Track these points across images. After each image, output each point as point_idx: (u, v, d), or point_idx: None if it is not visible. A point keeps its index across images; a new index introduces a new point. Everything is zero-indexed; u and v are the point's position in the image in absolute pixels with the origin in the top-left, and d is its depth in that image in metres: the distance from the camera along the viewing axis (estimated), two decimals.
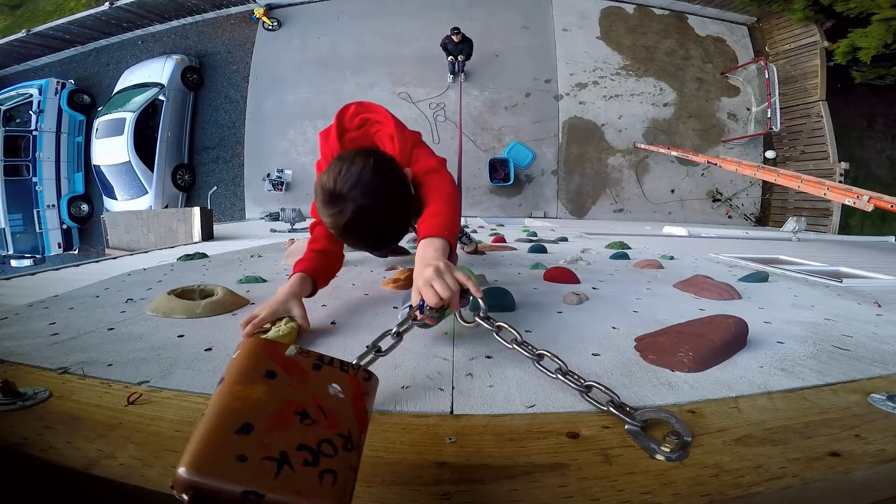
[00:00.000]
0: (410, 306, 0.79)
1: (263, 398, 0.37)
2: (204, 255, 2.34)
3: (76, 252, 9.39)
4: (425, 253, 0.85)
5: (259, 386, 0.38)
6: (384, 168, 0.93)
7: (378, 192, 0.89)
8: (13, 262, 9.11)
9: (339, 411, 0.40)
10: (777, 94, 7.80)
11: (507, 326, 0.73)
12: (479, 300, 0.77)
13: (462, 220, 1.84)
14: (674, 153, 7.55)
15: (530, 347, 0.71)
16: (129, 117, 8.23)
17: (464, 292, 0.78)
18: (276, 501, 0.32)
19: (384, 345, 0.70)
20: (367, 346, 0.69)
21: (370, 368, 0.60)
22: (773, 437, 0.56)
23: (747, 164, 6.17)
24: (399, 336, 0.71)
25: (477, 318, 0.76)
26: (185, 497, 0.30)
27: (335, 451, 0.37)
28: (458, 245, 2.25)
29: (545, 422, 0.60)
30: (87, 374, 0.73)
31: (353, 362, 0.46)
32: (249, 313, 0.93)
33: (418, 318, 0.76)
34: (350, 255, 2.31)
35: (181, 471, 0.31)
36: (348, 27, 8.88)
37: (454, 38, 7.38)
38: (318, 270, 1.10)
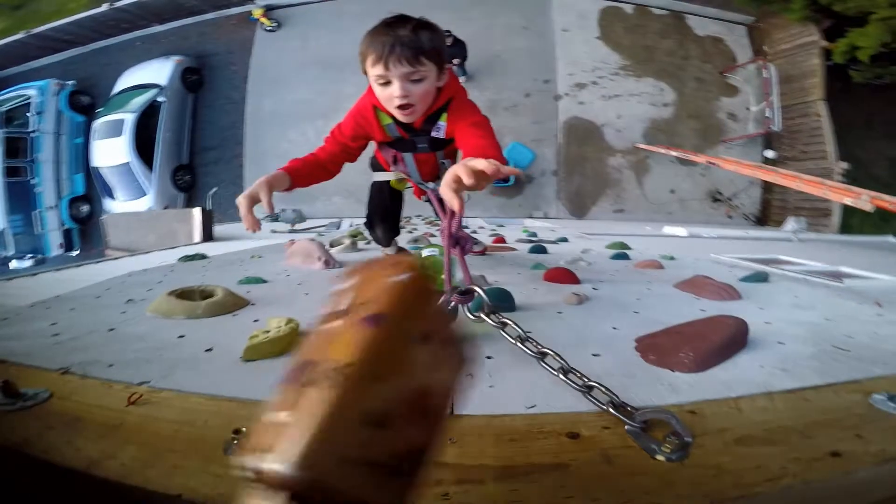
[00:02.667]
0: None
1: (410, 374, 0.25)
2: (204, 256, 2.34)
3: (77, 253, 9.39)
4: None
5: (411, 352, 0.25)
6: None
7: (434, 26, 1.08)
8: (14, 263, 9.10)
9: (445, 406, 0.29)
10: (776, 93, 7.81)
11: (511, 323, 0.73)
12: (483, 296, 0.76)
13: (463, 220, 1.86)
14: (673, 153, 7.56)
15: (534, 345, 0.71)
16: (129, 118, 8.24)
17: (468, 291, 0.78)
18: None
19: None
20: None
21: None
22: (774, 437, 0.56)
23: (747, 164, 6.17)
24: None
25: (481, 314, 0.76)
26: (280, 495, 0.21)
27: (431, 458, 0.27)
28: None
29: (545, 422, 0.60)
30: (88, 374, 0.73)
31: (458, 338, 0.31)
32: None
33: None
34: (351, 256, 2.31)
35: (290, 465, 0.20)
36: (348, 27, 8.87)
37: (447, 41, 7.36)
38: (299, 172, 1.19)
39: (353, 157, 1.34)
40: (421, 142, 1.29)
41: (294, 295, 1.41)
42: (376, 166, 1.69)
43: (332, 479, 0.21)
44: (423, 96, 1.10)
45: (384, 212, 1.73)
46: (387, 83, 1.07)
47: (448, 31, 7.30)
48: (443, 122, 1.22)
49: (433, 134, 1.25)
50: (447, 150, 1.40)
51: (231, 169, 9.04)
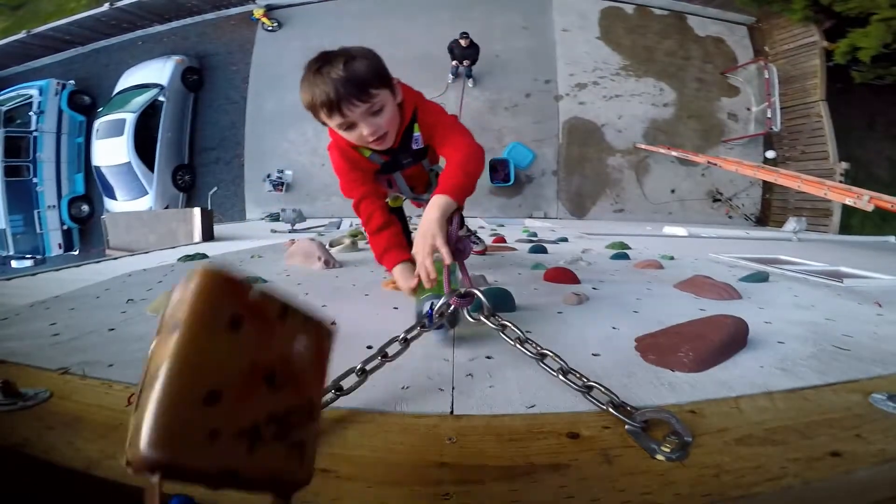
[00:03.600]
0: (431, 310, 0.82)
1: (229, 357, 0.29)
2: (204, 256, 2.34)
3: (77, 253, 9.39)
4: (426, 216, 0.99)
5: (223, 339, 0.29)
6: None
7: (363, 51, 1.05)
8: (14, 263, 9.10)
9: (303, 373, 0.34)
10: (777, 94, 7.80)
11: (511, 325, 0.73)
12: (483, 299, 0.77)
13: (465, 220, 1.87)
14: (674, 153, 7.55)
15: (534, 346, 0.71)
16: (130, 118, 8.24)
17: (468, 293, 0.79)
18: (250, 478, 0.29)
19: (391, 350, 0.70)
20: (374, 350, 0.69)
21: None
22: (774, 437, 0.56)
23: (747, 164, 6.17)
24: (406, 342, 0.72)
25: (482, 317, 0.76)
26: (154, 477, 0.25)
27: (301, 421, 0.33)
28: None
29: (545, 422, 0.60)
30: (88, 374, 0.73)
31: (316, 314, 0.38)
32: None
33: (426, 325, 0.76)
34: (351, 256, 2.31)
35: (144, 448, 0.25)
36: (348, 28, 8.87)
37: (462, 42, 7.38)
38: (400, 239, 1.21)
39: (378, 190, 1.31)
40: (404, 157, 1.29)
41: (294, 295, 1.40)
42: None
43: (189, 454, 0.26)
44: (390, 122, 1.09)
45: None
46: (350, 126, 1.05)
47: (465, 34, 7.31)
48: (417, 133, 1.22)
49: (413, 147, 1.24)
50: (430, 156, 1.41)
51: (231, 169, 9.04)
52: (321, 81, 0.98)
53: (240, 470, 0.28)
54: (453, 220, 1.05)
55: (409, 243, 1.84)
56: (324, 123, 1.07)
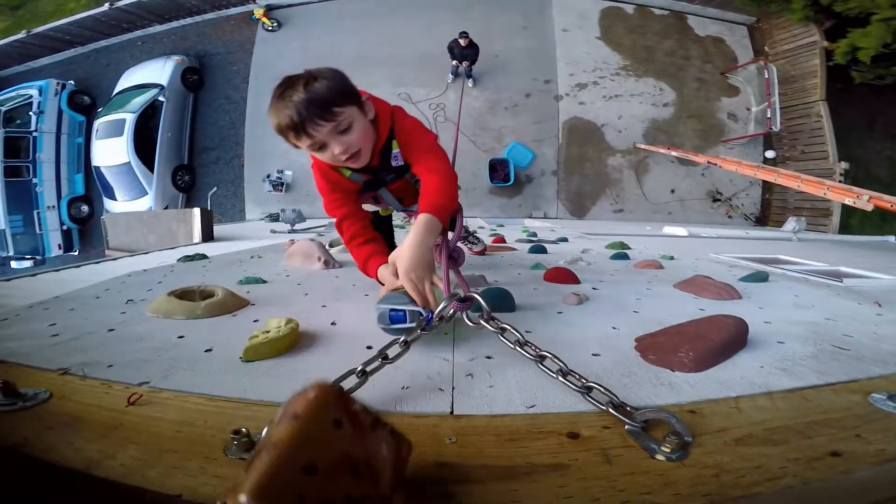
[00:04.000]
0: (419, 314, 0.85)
1: (328, 445, 0.38)
2: (204, 256, 2.34)
3: (76, 253, 9.39)
4: (416, 239, 0.96)
5: (327, 431, 0.39)
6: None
7: (325, 71, 1.05)
8: (13, 264, 9.09)
9: (382, 472, 0.41)
10: (777, 94, 7.80)
11: (510, 328, 0.74)
12: (482, 303, 0.77)
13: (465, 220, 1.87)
14: (674, 153, 7.56)
15: (533, 349, 0.71)
16: (129, 118, 8.24)
17: (467, 299, 0.79)
18: None
19: (391, 353, 0.70)
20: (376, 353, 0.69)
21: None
22: (774, 437, 0.56)
23: (747, 164, 6.17)
24: (407, 345, 0.72)
25: (481, 321, 0.77)
26: None
27: None
28: (468, 245, 2.27)
29: (545, 422, 0.60)
30: (88, 374, 0.73)
31: (401, 432, 0.46)
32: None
33: (425, 328, 0.77)
34: (351, 256, 2.31)
35: (244, 497, 0.31)
36: (348, 27, 8.88)
37: (461, 41, 7.38)
38: (386, 255, 1.16)
39: (359, 210, 1.32)
40: (386, 175, 1.28)
41: (294, 295, 1.41)
42: None
43: None
44: (361, 139, 1.08)
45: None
46: (321, 147, 1.05)
47: (464, 33, 7.31)
48: (396, 150, 1.21)
49: (393, 163, 1.23)
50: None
51: (231, 169, 9.04)
52: (284, 105, 0.99)
53: None
54: (456, 225, 1.05)
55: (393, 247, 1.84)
56: (296, 146, 1.07)
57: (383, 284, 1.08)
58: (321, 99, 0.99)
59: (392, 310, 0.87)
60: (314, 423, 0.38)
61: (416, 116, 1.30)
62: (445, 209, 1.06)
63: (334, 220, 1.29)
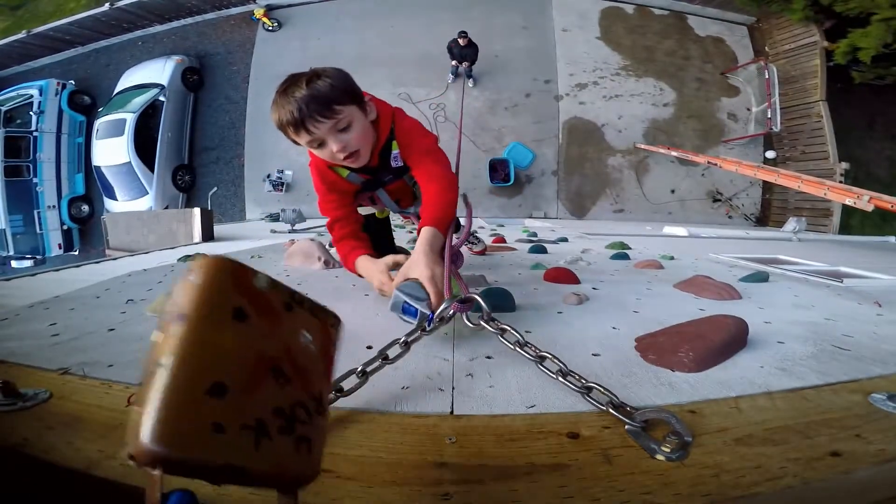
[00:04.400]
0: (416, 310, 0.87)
1: (234, 348, 0.29)
2: (204, 256, 2.33)
3: (76, 253, 9.39)
4: (422, 248, 0.99)
5: (229, 331, 0.29)
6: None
7: (329, 70, 1.06)
8: (14, 263, 9.10)
9: (310, 366, 0.34)
10: (777, 94, 7.80)
11: (510, 329, 0.74)
12: (483, 304, 0.77)
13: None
14: (674, 153, 7.56)
15: (533, 349, 0.71)
16: (130, 118, 8.25)
17: (467, 300, 0.80)
18: (255, 473, 0.28)
19: (391, 353, 0.70)
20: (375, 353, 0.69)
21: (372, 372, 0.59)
22: (774, 437, 0.56)
23: (747, 165, 6.17)
24: (407, 345, 0.72)
25: (481, 321, 0.77)
26: (155, 471, 0.25)
27: (308, 416, 0.32)
28: (468, 245, 2.27)
29: (545, 422, 0.60)
30: (88, 374, 0.73)
31: (324, 305, 0.38)
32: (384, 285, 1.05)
33: (426, 328, 0.77)
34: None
35: (147, 441, 0.24)
36: (348, 28, 8.88)
37: (460, 41, 7.38)
38: (371, 252, 1.19)
39: (353, 213, 1.33)
40: (385, 175, 1.29)
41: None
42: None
43: (193, 447, 0.25)
44: (361, 139, 1.08)
45: (378, 243, 1.75)
46: (320, 144, 1.06)
47: (464, 32, 7.31)
48: (396, 151, 1.22)
49: (392, 164, 1.24)
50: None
51: (231, 169, 9.04)
52: (286, 101, 1.01)
53: (245, 465, 0.27)
54: (459, 228, 1.06)
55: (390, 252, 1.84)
56: (295, 142, 1.08)
57: (361, 276, 1.14)
58: (323, 96, 1.00)
59: (406, 303, 0.90)
60: (208, 321, 0.28)
61: (417, 116, 1.31)
62: (447, 220, 1.09)
63: (328, 219, 1.30)
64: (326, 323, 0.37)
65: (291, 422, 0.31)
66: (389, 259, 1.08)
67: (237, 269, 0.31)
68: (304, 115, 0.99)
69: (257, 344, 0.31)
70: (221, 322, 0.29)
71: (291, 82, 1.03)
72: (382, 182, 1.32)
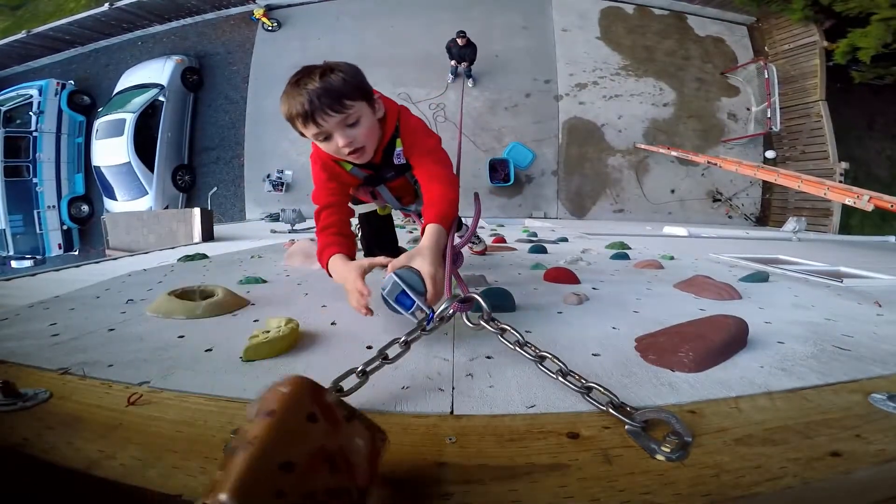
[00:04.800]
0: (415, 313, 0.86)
1: (304, 440, 0.38)
2: (204, 256, 2.34)
3: (76, 253, 9.39)
4: (428, 242, 0.99)
5: (302, 427, 0.39)
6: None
7: (343, 65, 1.06)
8: (14, 263, 9.09)
9: (359, 465, 0.42)
10: (777, 93, 7.80)
11: (510, 329, 0.74)
12: (483, 304, 0.77)
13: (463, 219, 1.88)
14: (674, 153, 7.56)
15: (533, 349, 0.71)
16: (130, 118, 8.24)
17: (467, 300, 0.80)
18: None
19: (391, 353, 0.70)
20: (375, 353, 0.69)
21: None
22: (774, 437, 0.56)
23: (747, 164, 6.17)
24: (407, 345, 0.72)
25: (481, 321, 0.77)
26: None
27: (352, 500, 0.39)
28: (468, 245, 2.27)
29: (545, 422, 0.60)
30: (88, 374, 0.73)
31: (377, 424, 0.46)
32: (357, 300, 0.96)
33: (427, 328, 0.77)
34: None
35: (224, 497, 0.31)
36: (348, 28, 8.88)
37: (459, 41, 7.38)
38: (351, 252, 1.14)
39: (345, 206, 1.29)
40: (387, 172, 1.29)
41: (294, 295, 1.41)
42: (356, 200, 1.69)
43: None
44: (367, 135, 1.09)
45: (380, 240, 1.75)
46: (327, 138, 1.06)
47: (462, 32, 7.31)
48: (399, 149, 1.23)
49: (395, 161, 1.24)
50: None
51: (231, 169, 9.03)
52: (297, 93, 1.00)
53: None
54: (461, 227, 1.04)
55: (396, 252, 1.83)
56: (302, 135, 1.08)
57: (331, 276, 1.09)
58: (335, 90, 1.00)
59: (404, 292, 0.87)
60: (289, 418, 0.38)
61: (417, 116, 1.31)
62: (449, 218, 1.09)
63: (316, 207, 1.26)
64: (376, 436, 0.46)
65: (339, 500, 0.38)
66: (366, 262, 1.04)
67: (315, 385, 0.43)
68: (315, 108, 0.99)
69: (321, 440, 0.40)
70: (298, 420, 0.39)
71: (304, 74, 1.03)
72: (384, 178, 1.33)
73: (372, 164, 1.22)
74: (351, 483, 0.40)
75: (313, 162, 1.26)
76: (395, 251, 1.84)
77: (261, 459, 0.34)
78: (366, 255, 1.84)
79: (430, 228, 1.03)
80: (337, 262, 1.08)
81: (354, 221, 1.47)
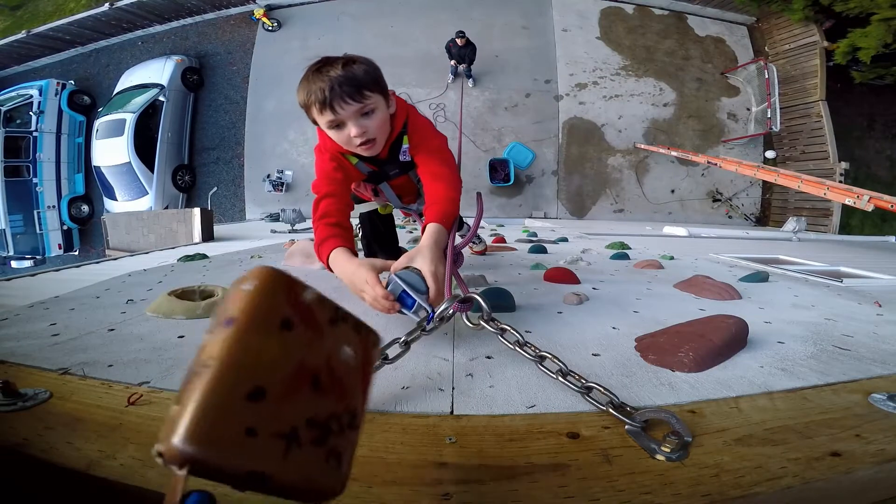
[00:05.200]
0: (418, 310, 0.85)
1: (278, 356, 0.30)
2: (204, 256, 2.34)
3: (76, 253, 9.39)
4: (428, 241, 0.99)
5: (275, 338, 0.30)
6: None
7: (363, 58, 1.08)
8: (14, 263, 9.10)
9: (347, 380, 0.34)
10: (777, 94, 7.80)
11: (510, 329, 0.74)
12: (483, 304, 0.77)
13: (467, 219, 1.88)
14: (674, 153, 7.55)
15: (533, 349, 0.71)
16: (130, 118, 8.24)
17: (467, 300, 0.80)
18: (281, 482, 0.27)
19: (391, 353, 0.70)
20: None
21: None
22: (774, 437, 0.56)
23: (747, 164, 6.17)
24: (407, 345, 0.72)
25: (481, 321, 0.77)
26: (181, 471, 0.25)
27: (341, 429, 0.32)
28: (469, 245, 2.27)
29: (545, 422, 0.60)
30: (88, 374, 0.73)
31: (366, 323, 0.38)
32: (377, 300, 0.89)
33: (427, 327, 0.77)
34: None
35: (178, 441, 0.25)
36: (348, 27, 8.88)
37: (458, 41, 7.38)
38: (351, 245, 1.10)
39: (346, 198, 1.25)
40: (392, 168, 1.30)
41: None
42: (357, 199, 1.68)
43: (224, 451, 0.26)
44: (379, 128, 1.10)
45: (381, 239, 1.75)
46: (340, 126, 1.07)
47: (461, 32, 7.31)
48: (406, 146, 1.24)
49: (401, 158, 1.26)
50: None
51: (231, 169, 9.03)
52: (318, 79, 1.02)
53: (272, 473, 0.27)
54: (462, 226, 1.04)
55: (397, 252, 1.81)
56: (315, 122, 1.09)
57: (332, 271, 1.03)
58: (356, 79, 1.02)
59: (405, 292, 0.87)
60: (256, 327, 0.29)
61: (425, 117, 1.32)
62: (450, 218, 1.10)
63: (316, 195, 1.22)
64: (367, 340, 0.38)
65: (325, 434, 0.31)
66: (378, 262, 0.96)
67: (289, 281, 0.32)
68: (335, 95, 1.01)
69: (300, 353, 0.31)
70: (268, 329, 0.30)
71: (326, 63, 1.04)
72: (387, 175, 1.33)
73: (377, 160, 1.23)
74: (340, 405, 0.32)
75: (319, 153, 1.25)
76: (396, 251, 1.84)
77: (222, 387, 0.26)
78: (366, 255, 1.84)
79: (431, 227, 1.03)
80: (341, 257, 1.03)
81: (355, 222, 1.47)
